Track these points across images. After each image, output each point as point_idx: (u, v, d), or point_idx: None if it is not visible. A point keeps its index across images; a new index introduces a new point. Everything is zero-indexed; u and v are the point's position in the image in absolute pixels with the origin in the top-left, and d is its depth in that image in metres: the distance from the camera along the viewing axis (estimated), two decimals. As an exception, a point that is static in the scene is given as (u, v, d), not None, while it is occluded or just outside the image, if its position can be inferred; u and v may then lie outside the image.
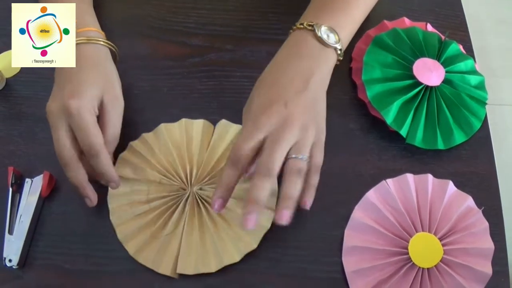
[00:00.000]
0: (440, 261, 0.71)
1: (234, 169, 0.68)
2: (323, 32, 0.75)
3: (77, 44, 0.73)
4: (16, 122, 0.81)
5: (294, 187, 0.67)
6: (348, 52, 0.83)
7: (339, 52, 0.76)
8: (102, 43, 0.77)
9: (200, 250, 0.73)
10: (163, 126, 0.80)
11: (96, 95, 0.72)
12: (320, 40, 0.74)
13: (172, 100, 0.83)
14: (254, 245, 0.73)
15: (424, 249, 0.72)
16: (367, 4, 0.82)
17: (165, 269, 0.72)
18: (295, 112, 0.69)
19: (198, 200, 0.75)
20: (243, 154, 0.67)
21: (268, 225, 0.74)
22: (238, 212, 0.74)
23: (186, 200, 0.75)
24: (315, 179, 0.71)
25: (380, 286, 0.71)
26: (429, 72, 0.81)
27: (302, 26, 0.76)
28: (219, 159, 0.78)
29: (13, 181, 0.74)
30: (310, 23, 0.75)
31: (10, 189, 0.74)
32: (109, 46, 0.78)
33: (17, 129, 0.81)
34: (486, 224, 0.74)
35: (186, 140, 0.79)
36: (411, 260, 0.71)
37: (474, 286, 0.70)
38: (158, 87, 0.84)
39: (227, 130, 0.80)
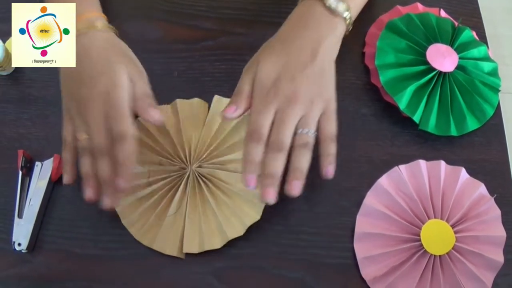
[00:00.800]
0: (452, 248, 0.71)
1: (258, 144, 0.70)
2: (331, 1, 0.74)
3: (92, 32, 0.73)
4: (26, 105, 0.81)
5: (301, 160, 0.70)
6: (361, 36, 0.83)
7: (347, 21, 0.75)
8: (110, 26, 0.76)
9: (204, 228, 0.73)
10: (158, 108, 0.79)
11: (129, 80, 0.72)
12: (328, 9, 0.74)
13: (184, 84, 0.82)
14: (257, 217, 0.73)
15: (436, 236, 0.71)
16: None
17: (171, 250, 0.72)
18: (301, 87, 0.71)
19: (198, 178, 0.75)
20: (263, 129, 0.70)
21: None
22: (238, 187, 0.74)
23: (187, 179, 0.75)
24: (331, 148, 0.72)
25: (391, 272, 0.70)
26: (443, 58, 0.80)
27: None
28: (215, 135, 0.78)
29: (23, 165, 0.74)
30: None
31: (20, 173, 0.74)
32: (114, 30, 0.77)
33: (27, 112, 0.81)
34: (498, 211, 0.74)
35: (182, 120, 0.79)
36: (423, 247, 0.70)
37: (485, 274, 0.70)
38: (170, 71, 0.83)
39: (222, 105, 0.79)
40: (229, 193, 0.74)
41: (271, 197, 0.68)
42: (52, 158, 0.75)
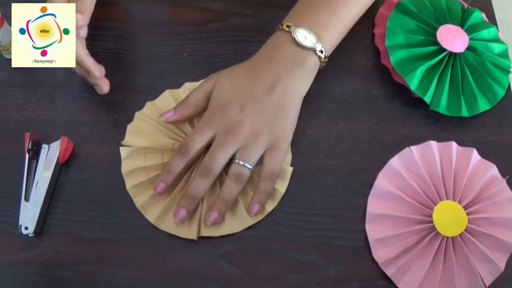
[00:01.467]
0: (465, 230, 0.70)
1: (182, 159, 0.71)
2: (299, 34, 0.73)
3: None
4: (33, 89, 0.80)
5: (228, 191, 0.71)
6: (370, 18, 0.82)
7: (319, 54, 0.74)
8: None
9: None
10: (167, 93, 0.79)
11: None
12: (296, 42, 0.73)
13: (193, 65, 0.82)
14: (275, 203, 0.73)
15: (449, 217, 0.71)
16: (356, 2, 0.78)
17: (188, 233, 0.71)
18: (248, 118, 0.71)
19: None
20: (193, 146, 0.71)
21: (287, 183, 0.75)
22: (258, 174, 0.73)
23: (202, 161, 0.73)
24: (265, 186, 0.72)
25: (403, 254, 0.70)
26: (453, 39, 0.79)
27: (282, 27, 0.75)
28: None
29: (29, 147, 0.73)
30: (288, 25, 0.74)
31: (27, 155, 0.73)
32: None
33: (35, 96, 0.80)
34: (510, 193, 0.73)
35: None
36: (436, 229, 0.70)
37: (498, 256, 0.70)
38: (178, 53, 0.83)
39: None
40: (248, 179, 0.73)
41: (181, 218, 0.70)
42: (59, 141, 0.74)
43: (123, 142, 0.76)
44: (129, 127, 0.77)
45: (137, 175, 0.74)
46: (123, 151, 0.75)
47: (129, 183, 0.74)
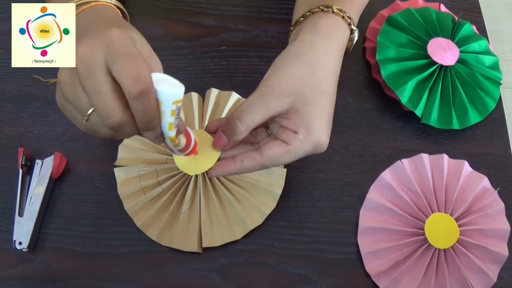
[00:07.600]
0: (457, 242, 0.70)
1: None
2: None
3: (93, 6, 0.65)
4: (26, 104, 0.81)
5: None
6: (361, 32, 0.83)
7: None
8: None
9: (222, 221, 0.72)
10: None
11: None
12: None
13: (185, 80, 0.79)
14: (273, 205, 0.74)
15: (441, 230, 0.71)
16: None
17: (190, 246, 0.72)
18: None
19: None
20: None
21: (283, 184, 0.75)
22: (251, 177, 0.74)
23: (196, 174, 0.74)
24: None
25: (396, 267, 0.70)
26: (444, 52, 0.80)
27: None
28: None
29: (23, 163, 0.74)
30: (339, 8, 0.65)
31: (20, 171, 0.73)
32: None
33: (27, 111, 0.80)
34: (502, 204, 0.73)
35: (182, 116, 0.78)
36: (428, 241, 0.70)
37: (490, 267, 0.70)
38: (171, 68, 0.82)
39: (219, 97, 0.79)
40: (243, 184, 0.74)
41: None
42: (52, 156, 0.75)
43: (116, 163, 0.76)
44: (121, 147, 0.77)
45: (134, 195, 0.74)
46: (117, 172, 0.75)
47: (127, 203, 0.74)
